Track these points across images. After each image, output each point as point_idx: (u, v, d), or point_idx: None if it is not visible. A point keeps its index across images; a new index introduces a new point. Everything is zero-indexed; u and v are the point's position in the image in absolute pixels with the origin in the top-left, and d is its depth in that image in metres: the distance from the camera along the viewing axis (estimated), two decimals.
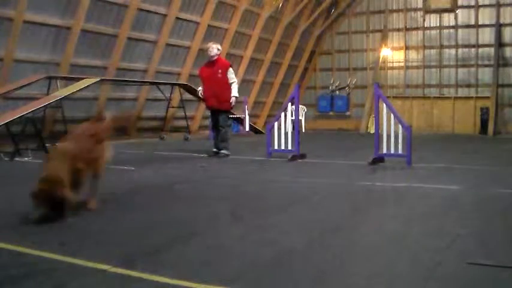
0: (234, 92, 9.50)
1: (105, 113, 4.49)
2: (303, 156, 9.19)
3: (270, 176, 7.42)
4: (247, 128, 16.64)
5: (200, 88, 9.75)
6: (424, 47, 20.89)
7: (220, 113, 9.60)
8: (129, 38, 13.81)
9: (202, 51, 16.51)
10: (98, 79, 12.07)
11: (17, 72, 11.29)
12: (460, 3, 20.12)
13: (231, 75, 9.54)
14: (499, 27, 19.31)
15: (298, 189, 6.16)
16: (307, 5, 19.96)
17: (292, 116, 9.57)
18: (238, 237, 3.82)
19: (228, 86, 9.46)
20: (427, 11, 20.61)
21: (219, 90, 9.40)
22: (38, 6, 11.34)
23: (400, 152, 8.26)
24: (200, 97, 10.00)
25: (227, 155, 9.51)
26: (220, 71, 9.43)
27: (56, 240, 3.70)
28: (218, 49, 9.57)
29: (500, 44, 19.24)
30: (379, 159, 8.44)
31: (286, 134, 9.30)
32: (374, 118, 8.84)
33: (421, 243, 3.62)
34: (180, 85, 15.16)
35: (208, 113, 16.84)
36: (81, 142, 4.51)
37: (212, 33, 16.58)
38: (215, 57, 9.47)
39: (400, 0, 21.22)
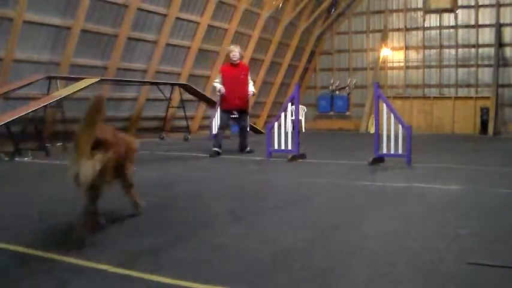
0: (252, 87, 10.27)
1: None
2: (302, 156, 9.19)
3: (270, 176, 7.42)
4: (247, 128, 16.61)
5: (217, 84, 10.00)
6: (424, 47, 20.88)
7: (243, 113, 10.34)
8: (129, 38, 13.81)
9: (202, 51, 16.55)
10: (98, 79, 12.06)
11: (17, 72, 11.29)
12: (460, 3, 20.10)
13: (249, 76, 10.32)
14: (499, 27, 19.30)
15: (298, 189, 6.16)
16: (307, 5, 19.96)
17: (292, 116, 9.59)
18: (238, 237, 3.83)
19: (248, 87, 10.18)
20: (427, 11, 20.59)
21: (243, 91, 10.06)
22: (38, 6, 11.33)
23: (400, 152, 8.26)
24: (220, 92, 10.00)
25: (252, 151, 10.21)
26: (243, 73, 10.12)
27: (56, 240, 3.70)
28: (240, 53, 10.21)
29: (500, 44, 19.24)
30: (379, 159, 8.44)
31: (286, 134, 9.30)
32: (374, 118, 8.84)
33: (421, 243, 3.62)
34: (180, 85, 15.16)
35: (207, 113, 16.97)
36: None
37: (212, 33, 16.58)
38: (238, 61, 10.06)
39: (400, 0, 21.22)
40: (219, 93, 10.06)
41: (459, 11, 20.16)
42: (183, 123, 15.52)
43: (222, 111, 10.27)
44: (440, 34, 20.55)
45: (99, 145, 3.53)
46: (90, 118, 3.44)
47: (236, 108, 10.20)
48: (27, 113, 9.73)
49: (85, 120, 3.42)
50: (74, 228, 3.57)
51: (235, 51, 9.96)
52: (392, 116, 8.28)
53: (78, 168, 3.37)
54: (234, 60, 9.98)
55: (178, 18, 15.00)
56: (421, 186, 6.23)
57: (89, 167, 3.38)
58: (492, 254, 3.33)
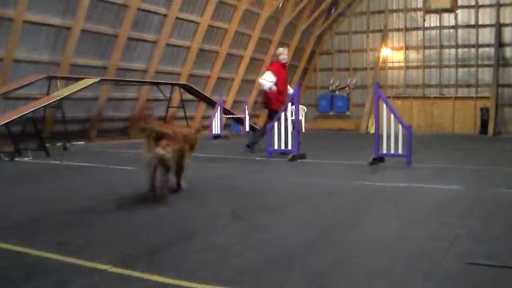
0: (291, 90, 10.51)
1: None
2: (302, 156, 9.19)
3: (269, 176, 7.42)
4: (247, 128, 16.63)
5: (266, 82, 9.85)
6: (424, 47, 20.89)
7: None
8: (129, 38, 13.81)
9: (202, 51, 16.56)
10: (98, 79, 12.07)
11: (17, 72, 11.29)
12: (460, 3, 20.11)
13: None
14: (499, 27, 19.31)
15: (298, 189, 6.16)
16: (307, 5, 19.96)
17: (292, 116, 9.58)
18: (238, 237, 3.82)
19: None
20: (427, 11, 20.60)
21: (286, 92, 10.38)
22: (38, 6, 11.34)
23: (400, 152, 8.26)
24: (270, 90, 9.93)
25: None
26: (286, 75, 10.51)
27: (56, 240, 3.70)
28: (287, 55, 10.59)
29: (500, 44, 19.24)
30: (379, 159, 8.44)
31: (286, 134, 9.29)
32: (374, 118, 8.84)
33: (421, 243, 3.62)
34: (180, 85, 15.16)
35: (208, 112, 16.97)
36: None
37: (212, 33, 16.58)
38: (286, 63, 10.34)
39: (400, 0, 21.22)
40: (269, 90, 9.93)
41: (459, 11, 20.16)
42: (183, 123, 15.52)
43: (272, 110, 10.06)
44: (440, 34, 20.56)
45: (163, 137, 5.04)
46: (142, 120, 5.09)
47: (277, 109, 10.17)
48: (27, 113, 9.73)
49: (139, 122, 5.09)
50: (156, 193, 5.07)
51: (285, 54, 10.26)
52: (392, 116, 8.27)
53: (152, 155, 5.02)
54: (284, 63, 10.20)
55: (178, 18, 15.00)
56: (421, 186, 6.23)
57: (160, 153, 5.01)
58: (492, 254, 3.33)
